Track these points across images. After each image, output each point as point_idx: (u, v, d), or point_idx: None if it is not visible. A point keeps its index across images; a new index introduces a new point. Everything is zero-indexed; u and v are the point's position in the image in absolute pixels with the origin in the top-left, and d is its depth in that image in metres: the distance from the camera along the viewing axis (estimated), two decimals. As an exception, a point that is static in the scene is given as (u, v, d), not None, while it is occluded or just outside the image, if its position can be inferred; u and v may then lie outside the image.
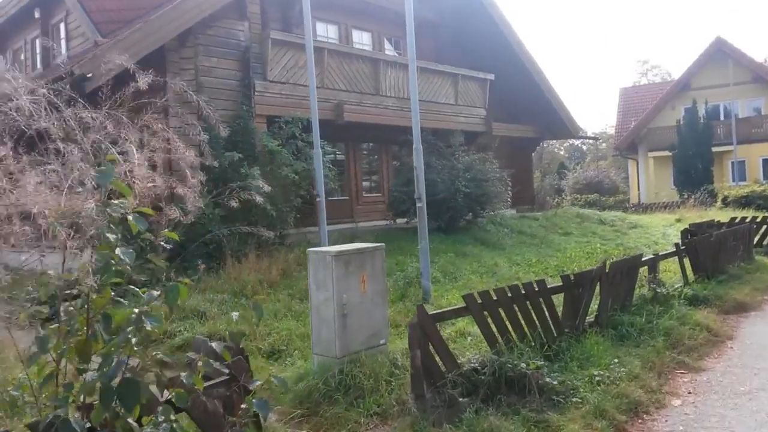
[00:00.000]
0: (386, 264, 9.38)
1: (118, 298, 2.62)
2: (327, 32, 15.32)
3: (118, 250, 2.31)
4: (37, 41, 14.32)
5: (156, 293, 2.46)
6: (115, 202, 2.48)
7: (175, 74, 10.52)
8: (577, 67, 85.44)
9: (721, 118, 29.19)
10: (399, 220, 13.45)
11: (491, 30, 17.35)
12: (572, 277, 5.70)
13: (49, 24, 13.92)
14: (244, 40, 11.66)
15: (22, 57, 15.28)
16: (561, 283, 5.62)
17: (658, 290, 6.86)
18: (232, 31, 11.49)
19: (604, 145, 50.73)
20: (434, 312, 4.73)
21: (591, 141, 51.00)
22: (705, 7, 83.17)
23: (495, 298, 4.94)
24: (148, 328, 2.39)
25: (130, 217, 2.46)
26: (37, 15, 13.87)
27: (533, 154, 22.41)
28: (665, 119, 30.00)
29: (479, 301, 4.82)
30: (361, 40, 16.13)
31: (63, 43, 13.52)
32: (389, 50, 17.00)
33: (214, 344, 3.03)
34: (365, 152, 16.15)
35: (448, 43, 17.57)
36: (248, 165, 10.07)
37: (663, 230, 15.27)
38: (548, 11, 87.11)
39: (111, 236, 2.36)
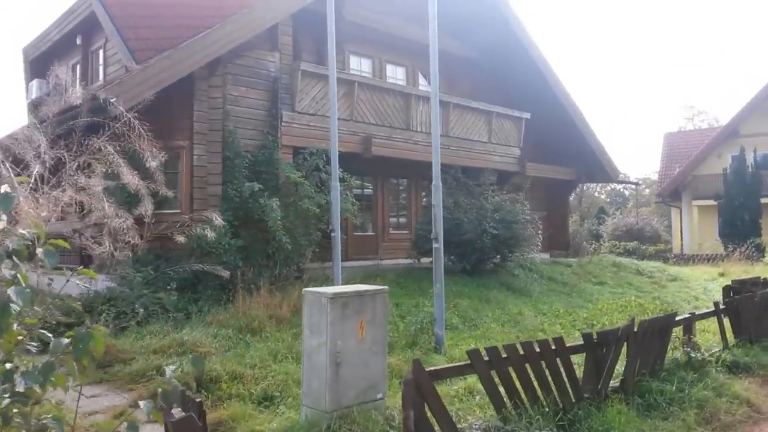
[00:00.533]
0: (403, 305, 9.04)
1: (30, 344, 2.25)
2: (361, 66, 15.26)
3: (11, 290, 1.93)
4: (78, 67, 14.67)
5: (65, 341, 2.10)
6: (22, 231, 2.15)
7: (202, 102, 10.53)
8: (622, 111, 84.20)
9: (772, 167, 27.96)
10: (423, 259, 13.02)
11: (530, 69, 17.05)
12: (595, 336, 5.17)
13: (89, 50, 14.26)
14: (274, 71, 11.63)
15: (64, 82, 15.67)
16: (582, 342, 5.10)
17: (693, 354, 6.21)
18: (262, 61, 11.48)
19: (647, 191, 49.37)
20: (433, 368, 4.28)
21: (633, 186, 49.74)
22: (755, 53, 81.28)
23: (505, 355, 4.47)
24: (21, 389, 1.95)
25: (39, 250, 2.12)
26: (78, 41, 14.24)
27: (570, 197, 21.73)
28: (711, 167, 28.90)
29: (486, 358, 4.36)
30: (395, 74, 16.02)
31: (101, 69, 13.80)
32: (423, 85, 16.82)
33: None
34: (394, 188, 15.87)
35: (484, 81, 17.33)
36: (269, 196, 9.87)
37: (704, 285, 14.39)
38: (593, 53, 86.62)
39: (7, 271, 2.01)
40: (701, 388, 5.62)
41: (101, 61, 13.88)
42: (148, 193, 9.81)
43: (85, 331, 2.07)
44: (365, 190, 15.41)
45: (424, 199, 15.89)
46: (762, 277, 12.41)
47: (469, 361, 4.30)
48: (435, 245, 7.28)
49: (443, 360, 6.33)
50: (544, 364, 4.69)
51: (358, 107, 12.96)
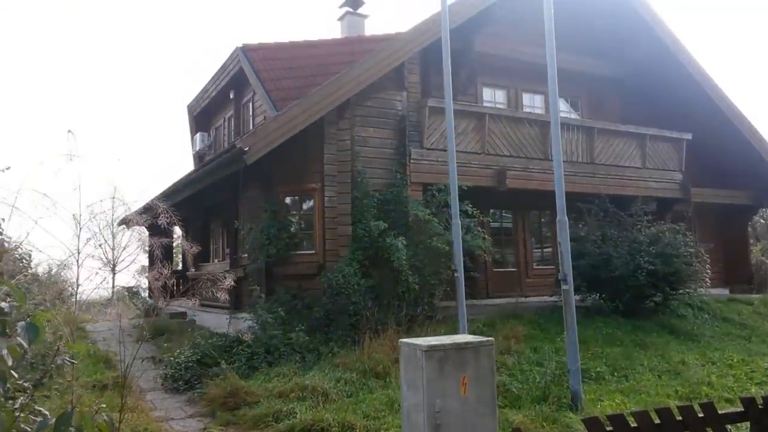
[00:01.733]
0: (540, 350, 8.20)
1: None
2: (495, 97, 14.78)
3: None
4: (232, 119, 16.00)
5: (50, 421, 1.92)
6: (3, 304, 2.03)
7: (332, 145, 10.77)
8: (815, 122, 73.07)
9: None
10: (570, 298, 11.93)
11: (688, 85, 15.31)
12: (761, 401, 4.11)
13: (241, 103, 15.50)
14: (401, 109, 11.62)
15: (222, 134, 17.21)
16: (742, 408, 4.07)
17: None
18: (390, 100, 11.53)
19: None
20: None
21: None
22: None
23: (635, 425, 3.66)
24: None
25: (20, 325, 1.98)
26: (231, 96, 15.55)
27: (749, 222, 18.91)
28: None
29: (609, 428, 3.60)
30: (533, 102, 15.28)
31: (251, 120, 14.89)
32: (565, 111, 15.84)
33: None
34: (536, 220, 14.95)
35: (635, 101, 15.89)
36: (396, 234, 9.70)
37: None
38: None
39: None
40: None
41: (251, 112, 15.00)
42: (283, 236, 10.26)
43: (69, 412, 1.89)
44: (504, 223, 14.70)
45: (574, 233, 14.73)
46: None
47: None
48: (564, 287, 6.50)
49: (577, 419, 5.50)
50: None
51: (490, 139, 12.47)
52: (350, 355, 7.70)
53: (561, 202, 6.82)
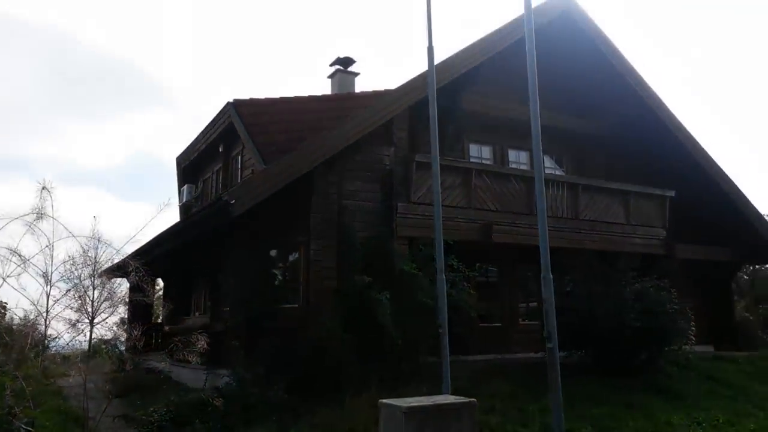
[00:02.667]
0: (526, 410, 8.05)
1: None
2: (481, 153, 15.08)
3: None
4: (221, 172, 16.10)
5: None
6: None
7: (319, 198, 10.85)
8: (794, 180, 74.79)
9: None
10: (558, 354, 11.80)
11: (671, 143, 15.69)
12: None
13: (230, 156, 15.65)
14: (389, 164, 11.79)
15: (210, 186, 17.28)
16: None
17: None
18: (378, 156, 11.72)
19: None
20: None
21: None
22: None
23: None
24: None
25: None
26: (221, 149, 15.71)
27: (733, 279, 19.02)
28: None
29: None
30: (519, 158, 15.59)
31: (239, 173, 15.00)
32: (550, 167, 16.14)
33: None
34: (522, 275, 14.97)
35: (620, 159, 16.24)
36: (381, 289, 9.65)
37: None
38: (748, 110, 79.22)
39: None
40: None
41: (239, 165, 15.13)
42: (267, 289, 10.17)
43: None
44: (490, 278, 14.70)
45: (558, 289, 14.73)
46: None
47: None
48: (548, 345, 6.44)
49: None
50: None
51: (476, 194, 12.62)
52: (331, 414, 7.51)
53: (545, 259, 6.84)
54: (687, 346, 11.62)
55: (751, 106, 78.88)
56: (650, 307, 10.94)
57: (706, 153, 15.97)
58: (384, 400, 4.16)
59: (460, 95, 13.67)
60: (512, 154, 15.52)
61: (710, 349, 15.59)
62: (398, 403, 4.03)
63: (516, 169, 14.46)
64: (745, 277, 38.06)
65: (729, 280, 17.97)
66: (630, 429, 7.72)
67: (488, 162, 14.83)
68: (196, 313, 14.30)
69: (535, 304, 14.92)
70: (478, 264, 14.57)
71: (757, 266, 32.71)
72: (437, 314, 9.79)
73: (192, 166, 18.10)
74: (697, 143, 15.90)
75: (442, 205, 12.07)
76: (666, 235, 15.13)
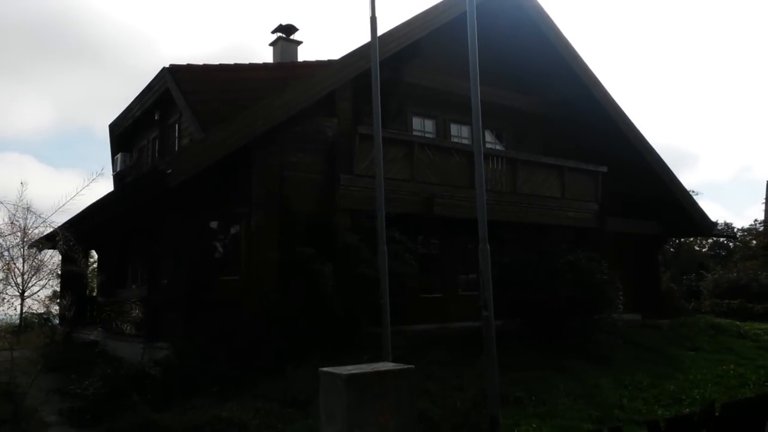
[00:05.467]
0: (464, 375, 8.32)
1: None
2: (424, 126, 15.16)
3: None
4: (157, 141, 15.55)
5: None
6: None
7: (260, 169, 10.67)
8: (726, 156, 79.29)
9: None
10: (495, 322, 12.20)
11: (604, 121, 16.28)
12: (663, 424, 4.35)
13: (166, 124, 15.10)
14: (332, 136, 11.69)
15: (146, 155, 16.66)
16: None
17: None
18: (320, 127, 11.59)
19: (754, 242, 45.36)
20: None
21: (739, 237, 45.88)
22: None
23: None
24: None
25: None
26: (156, 117, 15.13)
27: (659, 252, 20.11)
28: (824, 215, 26.03)
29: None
30: (460, 133, 15.76)
31: (176, 142, 14.52)
32: (490, 142, 16.44)
33: None
34: (462, 247, 15.29)
35: (557, 135, 16.69)
36: (324, 260, 9.66)
37: (824, 350, 12.52)
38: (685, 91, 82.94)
39: None
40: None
41: (176, 134, 14.63)
42: (207, 261, 10.00)
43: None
44: (432, 250, 14.96)
45: (496, 260, 15.17)
46: None
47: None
48: (484, 314, 6.67)
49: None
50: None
51: (418, 167, 12.73)
52: (273, 384, 7.53)
53: (483, 231, 7.03)
54: (615, 314, 12.26)
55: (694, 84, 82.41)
56: (582, 277, 11.45)
57: (638, 131, 16.66)
58: (324, 369, 4.20)
59: (404, 68, 13.66)
60: (454, 128, 15.68)
61: (638, 317, 16.49)
62: (338, 371, 4.08)
63: (458, 143, 14.64)
64: (671, 249, 40.29)
65: (656, 253, 18.98)
66: (561, 392, 8.11)
67: (431, 136, 14.94)
68: (133, 286, 13.90)
69: (474, 275, 15.33)
70: (420, 237, 14.89)
71: (682, 239, 34.64)
72: (379, 285, 9.95)
73: (126, 133, 17.37)
74: (629, 121, 16.55)
75: (385, 178, 12.16)
76: (598, 209, 15.77)
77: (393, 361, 8.64)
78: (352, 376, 3.96)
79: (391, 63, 13.02)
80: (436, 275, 14.81)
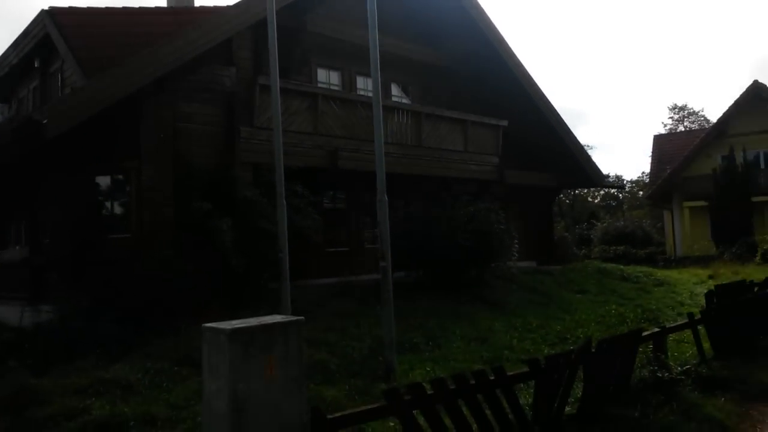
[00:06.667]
0: (363, 325, 8.48)
1: None
2: (329, 78, 14.86)
3: None
4: (38, 90, 14.24)
5: None
6: None
7: (151, 120, 10.06)
8: (618, 111, 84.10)
9: (762, 166, 27.52)
10: (397, 274, 12.48)
11: (507, 76, 16.68)
12: (544, 361, 4.66)
13: (48, 72, 13.83)
14: (230, 85, 11.19)
15: (26, 106, 15.26)
16: (528, 369, 4.58)
17: (660, 374, 5.69)
18: (217, 76, 11.04)
19: (640, 193, 48.99)
20: (337, 415, 3.75)
21: (627, 188, 49.35)
22: (743, 52, 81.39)
23: (431, 391, 3.95)
24: None
25: None
26: (36, 64, 13.81)
27: (553, 202, 21.24)
28: (701, 167, 28.45)
29: (408, 397, 3.84)
30: (367, 85, 15.59)
31: (59, 91, 13.36)
32: (397, 96, 16.43)
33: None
34: (368, 201, 15.38)
35: (462, 90, 16.92)
36: (223, 215, 9.37)
37: (692, 288, 13.88)
38: (585, 54, 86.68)
39: None
40: (668, 413, 5.10)
41: (59, 83, 13.45)
42: (93, 218, 9.42)
43: None
44: (338, 204, 14.95)
45: (401, 213, 15.42)
46: (748, 280, 11.91)
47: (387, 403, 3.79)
48: (382, 264, 6.79)
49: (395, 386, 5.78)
50: (481, 399, 4.18)
51: (323, 120, 12.52)
52: (165, 343, 7.31)
53: (381, 183, 7.08)
54: (511, 262, 12.89)
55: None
56: (480, 228, 11.89)
57: (538, 88, 17.23)
58: (207, 324, 4.09)
59: (307, 16, 13.22)
60: (361, 81, 15.48)
61: (533, 263, 17.46)
62: (222, 326, 3.99)
63: (363, 95, 14.47)
64: (567, 201, 42.72)
65: (551, 204, 20.03)
66: (456, 336, 8.47)
67: (337, 88, 14.69)
68: (16, 247, 12.92)
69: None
70: (327, 191, 14.81)
71: (576, 191, 36.78)
72: (279, 239, 9.82)
73: (3, 82, 15.77)
74: (530, 78, 17.06)
75: (288, 131, 11.99)
76: (499, 162, 16.30)
77: (294, 314, 8.67)
78: (236, 330, 3.88)
79: (294, 11, 12.56)
80: (342, 229, 14.86)
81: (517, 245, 13.05)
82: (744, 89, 28.51)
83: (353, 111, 13.24)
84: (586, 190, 44.98)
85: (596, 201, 51.19)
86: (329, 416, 3.60)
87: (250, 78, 11.64)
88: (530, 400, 4.81)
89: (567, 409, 4.88)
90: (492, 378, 4.27)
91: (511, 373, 4.50)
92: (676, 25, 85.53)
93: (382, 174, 7.09)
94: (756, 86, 28.11)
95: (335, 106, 12.84)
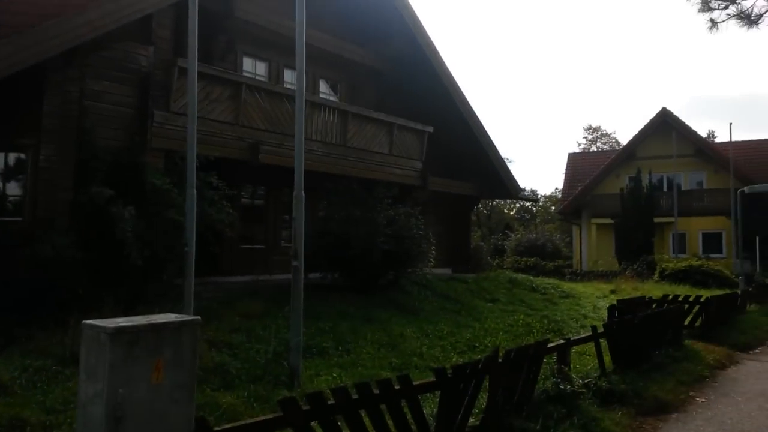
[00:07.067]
0: (271, 327, 8.15)
1: None
2: (255, 68, 14.38)
3: None
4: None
5: None
6: None
7: (55, 96, 9.25)
8: (536, 130, 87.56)
9: (665, 189, 29.42)
10: (311, 275, 12.22)
11: (434, 83, 16.82)
12: (450, 370, 4.58)
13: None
14: (147, 66, 10.52)
15: None
16: (434, 379, 4.48)
17: (562, 386, 5.79)
18: (133, 54, 10.34)
19: (553, 208, 51.14)
20: (225, 427, 3.48)
21: (541, 203, 51.47)
22: (653, 79, 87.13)
23: (332, 402, 3.75)
24: None
25: None
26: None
27: (472, 212, 21.69)
28: (610, 187, 30.06)
29: (306, 407, 3.62)
30: (294, 80, 15.22)
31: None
32: (325, 93, 16.17)
33: None
34: (288, 198, 14.97)
35: (390, 92, 16.90)
36: (128, 204, 8.75)
37: (595, 302, 14.49)
38: (508, 75, 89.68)
39: None
40: (569, 427, 5.17)
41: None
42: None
43: None
44: (256, 200, 14.49)
45: (321, 212, 15.16)
46: (647, 296, 12.58)
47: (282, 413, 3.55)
48: (294, 263, 6.52)
49: (301, 393, 5.54)
50: (384, 409, 4.02)
51: (245, 111, 12.04)
52: (51, 338, 6.69)
53: (299, 176, 6.83)
54: (427, 269, 12.94)
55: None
56: (399, 232, 11.84)
57: (463, 96, 17.49)
58: (87, 321, 3.68)
59: (236, 2, 12.73)
60: (289, 74, 15.09)
61: (448, 271, 17.68)
62: (103, 324, 3.60)
63: (290, 89, 14.06)
64: (485, 211, 43.87)
65: (469, 212, 20.40)
66: (367, 341, 8.33)
67: (264, 79, 14.23)
68: None
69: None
70: (247, 185, 14.29)
71: (495, 202, 37.80)
72: (186, 232, 9.31)
73: None
74: (457, 86, 17.30)
75: (207, 119, 11.46)
76: (422, 168, 16.38)
77: (199, 313, 8.21)
78: (119, 330, 3.51)
79: (222, -6, 12.06)
80: (260, 226, 14.42)
81: (434, 252, 13.12)
82: (653, 115, 30.42)
83: (279, 104, 12.85)
84: (503, 202, 46.47)
85: (512, 213, 53.03)
86: (216, 428, 3.31)
87: (169, 59, 11.00)
88: (435, 410, 4.71)
89: (471, 420, 4.82)
90: (397, 387, 4.12)
91: (417, 383, 4.38)
92: (593, 49, 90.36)
93: (301, 167, 6.86)
94: (664, 113, 30.04)
95: (260, 98, 12.40)
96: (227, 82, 11.84)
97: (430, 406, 4.96)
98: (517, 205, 51.99)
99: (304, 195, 6.82)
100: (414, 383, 4.30)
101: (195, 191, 7.44)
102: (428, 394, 5.17)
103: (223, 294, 10.24)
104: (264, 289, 11.04)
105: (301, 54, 6.95)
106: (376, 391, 3.98)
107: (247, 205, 14.19)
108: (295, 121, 7.00)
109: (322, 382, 6.07)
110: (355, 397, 3.85)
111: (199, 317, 4.02)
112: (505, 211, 51.66)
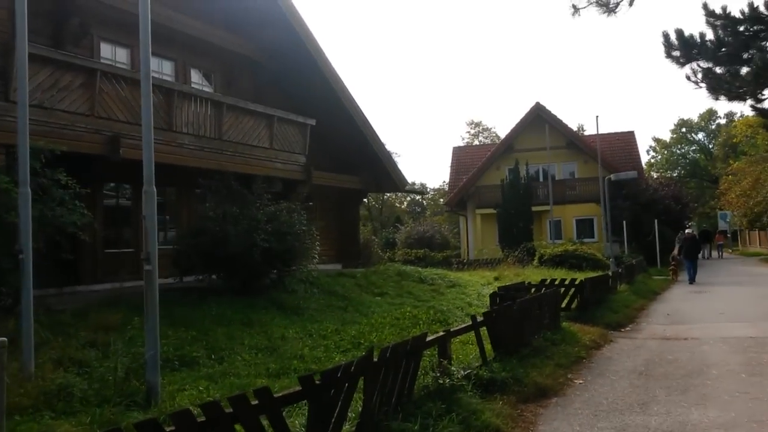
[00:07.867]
0: (137, 339, 7.32)
1: None
2: (115, 55, 13.14)
3: None
4: None
5: None
6: None
7: None
8: (422, 125, 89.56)
9: (541, 179, 31.01)
10: (186, 278, 11.35)
11: (316, 75, 16.36)
12: (318, 378, 4.18)
13: None
14: (-22, 49, 9.16)
15: None
16: (300, 388, 4.05)
17: (441, 381, 5.60)
18: (-41, 34, 8.97)
19: (441, 200, 52.50)
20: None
21: (430, 195, 52.68)
22: (529, 74, 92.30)
23: (172, 427, 3.21)
24: None
25: None
26: None
27: (360, 205, 21.51)
28: (491, 178, 31.21)
29: (140, 436, 3.06)
30: (161, 68, 14.13)
31: None
32: (197, 83, 15.16)
33: None
34: (158, 196, 13.89)
35: (270, 84, 16.25)
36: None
37: (480, 290, 14.76)
38: (411, 68, 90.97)
39: None
40: (448, 423, 4.96)
41: None
42: None
43: None
44: (121, 200, 13.28)
45: (198, 209, 14.20)
46: (527, 282, 12.96)
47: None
48: (147, 267, 5.82)
49: (144, 417, 4.88)
50: (240, 428, 3.54)
51: (102, 101, 10.89)
52: None
53: (149, 170, 6.15)
54: (313, 265, 12.47)
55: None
56: (280, 228, 11.28)
57: (347, 91, 17.17)
58: None
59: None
60: (154, 62, 13.93)
61: (338, 266, 17.35)
62: None
63: (155, 78, 12.98)
64: (376, 205, 44.08)
65: (358, 206, 20.17)
66: (245, 347, 7.75)
67: (124, 66, 13.03)
68: None
69: (173, 228, 14.15)
70: (109, 183, 13.03)
71: (386, 196, 38.05)
72: (36, 237, 8.20)
73: None
74: (340, 80, 16.94)
75: (57, 110, 10.24)
76: (306, 162, 15.86)
77: (46, 328, 7.22)
78: None
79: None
80: (127, 228, 13.24)
81: (319, 247, 12.68)
82: (528, 110, 31.95)
83: (139, 94, 11.75)
84: (394, 196, 46.98)
85: (403, 207, 53.80)
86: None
87: (7, 44, 9.66)
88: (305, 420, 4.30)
89: (346, 427, 4.46)
90: (255, 403, 3.65)
91: (280, 395, 3.93)
92: (473, 45, 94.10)
93: (150, 158, 6.21)
94: (537, 107, 31.64)
95: (119, 87, 11.27)
96: (79, 68, 10.64)
97: (301, 417, 4.54)
98: (408, 198, 52.89)
99: (155, 190, 6.14)
100: (276, 395, 3.85)
101: (29, 190, 6.49)
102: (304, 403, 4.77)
103: (81, 304, 9.16)
104: (130, 296, 10.01)
105: (146, 28, 6.22)
106: (229, 410, 3.48)
107: (111, 206, 12.98)
108: (142, 108, 6.30)
109: (185, 398, 5.44)
110: (200, 420, 3.33)
111: (5, 339, 3.31)
112: (397, 204, 52.32)
